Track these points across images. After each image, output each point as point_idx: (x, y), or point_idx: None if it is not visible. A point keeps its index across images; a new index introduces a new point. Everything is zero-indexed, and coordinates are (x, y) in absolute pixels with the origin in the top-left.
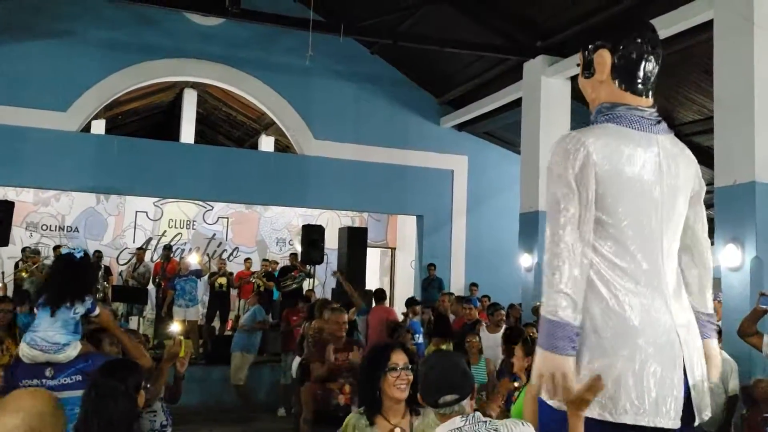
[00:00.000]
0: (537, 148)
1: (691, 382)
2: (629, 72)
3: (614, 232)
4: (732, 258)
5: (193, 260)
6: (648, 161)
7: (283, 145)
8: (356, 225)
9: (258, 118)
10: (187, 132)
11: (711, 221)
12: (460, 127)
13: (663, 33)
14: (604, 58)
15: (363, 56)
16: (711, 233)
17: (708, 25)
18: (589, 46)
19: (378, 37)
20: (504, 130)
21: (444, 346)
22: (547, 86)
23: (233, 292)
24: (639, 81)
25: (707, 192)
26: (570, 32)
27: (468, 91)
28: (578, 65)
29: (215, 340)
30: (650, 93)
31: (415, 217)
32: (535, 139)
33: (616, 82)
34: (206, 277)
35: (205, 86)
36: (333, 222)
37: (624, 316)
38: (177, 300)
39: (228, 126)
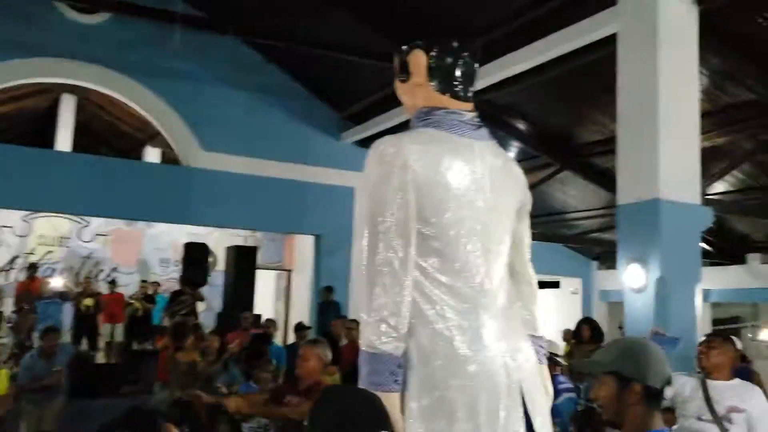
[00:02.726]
0: None
1: (531, 412)
2: (446, 73)
3: (438, 246)
4: (635, 279)
5: (57, 282)
6: (470, 169)
7: (170, 158)
8: (249, 245)
9: (143, 127)
10: (64, 140)
11: (612, 243)
12: (362, 143)
13: (564, 47)
14: (419, 59)
15: (260, 65)
16: (613, 253)
17: (611, 39)
18: (403, 48)
19: (270, 39)
20: None
21: (329, 378)
22: None
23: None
24: (456, 83)
25: (611, 212)
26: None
27: (370, 105)
28: (394, 73)
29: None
30: (470, 97)
31: (313, 236)
32: None
33: (434, 84)
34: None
35: (86, 92)
36: (224, 242)
37: (453, 342)
38: (38, 325)
39: (110, 136)
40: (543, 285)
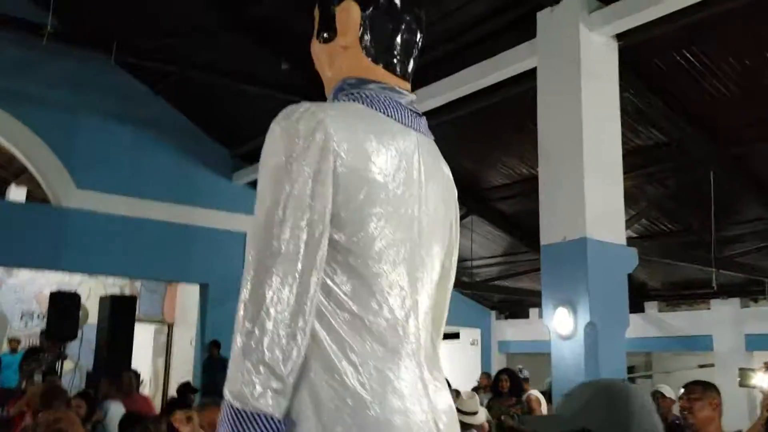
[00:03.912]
0: None
1: None
2: (383, 38)
3: (353, 263)
4: (563, 325)
5: None
6: (408, 169)
7: (38, 198)
8: (126, 295)
9: (7, 163)
10: None
11: (511, 290)
12: (255, 184)
13: (479, 83)
14: (351, 13)
15: (144, 96)
16: (512, 303)
17: (527, 75)
18: None
19: (157, 61)
20: None
21: None
22: None
23: None
24: (396, 53)
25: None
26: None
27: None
28: (314, 27)
29: None
30: (408, 74)
31: (198, 285)
32: None
33: (366, 49)
34: None
35: None
36: (96, 292)
37: (367, 401)
38: None
39: None
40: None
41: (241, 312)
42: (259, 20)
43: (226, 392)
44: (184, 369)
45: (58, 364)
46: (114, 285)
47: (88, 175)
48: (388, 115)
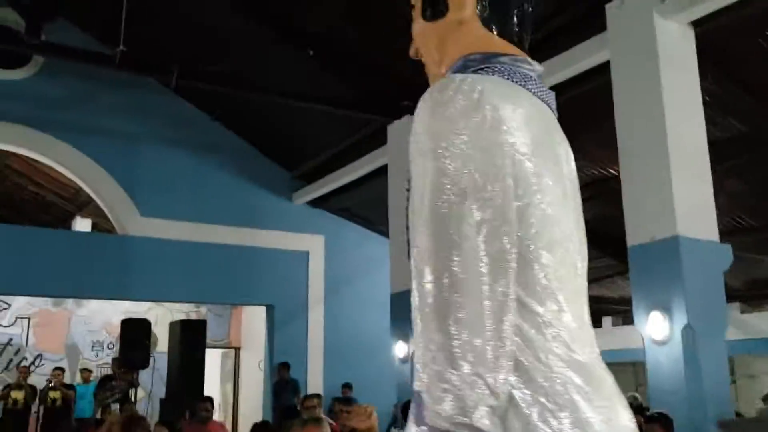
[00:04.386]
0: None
1: None
2: (502, 8)
3: (539, 271)
4: (658, 329)
5: None
6: (558, 155)
7: (103, 229)
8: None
9: (72, 196)
10: None
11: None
12: (316, 203)
13: (547, 82)
14: None
15: (202, 122)
16: (628, 300)
17: (596, 71)
18: None
19: (215, 84)
20: (362, 206)
21: None
22: None
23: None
24: (515, 23)
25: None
26: None
27: (323, 163)
28: (411, 6)
29: None
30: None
31: (264, 308)
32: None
33: (485, 21)
34: None
35: (6, 158)
36: (164, 319)
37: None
38: None
39: (35, 208)
40: None
41: (426, 318)
42: (310, 35)
43: (429, 413)
44: (254, 393)
45: (131, 393)
46: (180, 311)
47: (151, 202)
48: (528, 90)
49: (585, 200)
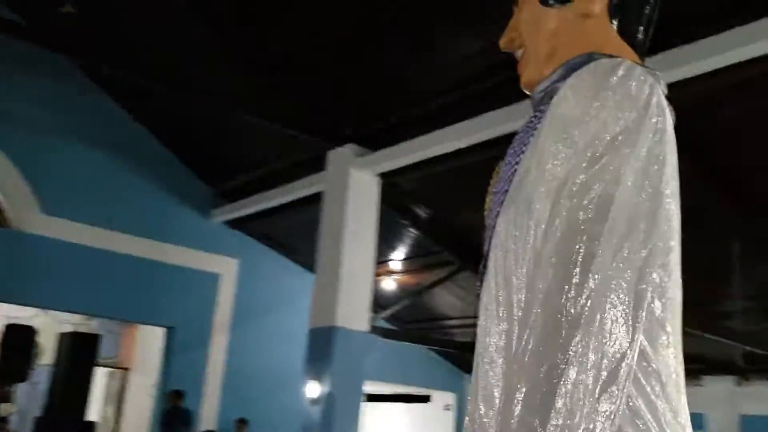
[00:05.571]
0: (338, 253)
1: None
2: (635, 6)
3: (662, 313)
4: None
5: None
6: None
7: None
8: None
9: None
10: None
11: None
12: (235, 224)
13: (486, 134)
14: None
15: (124, 122)
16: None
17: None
18: None
19: (135, 75)
20: (286, 234)
21: None
22: (357, 181)
23: None
24: (643, 27)
25: None
26: (384, 123)
27: (249, 182)
28: None
29: None
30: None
31: (163, 329)
32: (337, 242)
33: (616, 21)
34: None
35: None
36: (49, 329)
37: None
38: None
39: None
40: (411, 399)
41: (531, 359)
42: (246, 42)
43: None
44: (139, 419)
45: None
46: (68, 322)
47: (55, 200)
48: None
49: None
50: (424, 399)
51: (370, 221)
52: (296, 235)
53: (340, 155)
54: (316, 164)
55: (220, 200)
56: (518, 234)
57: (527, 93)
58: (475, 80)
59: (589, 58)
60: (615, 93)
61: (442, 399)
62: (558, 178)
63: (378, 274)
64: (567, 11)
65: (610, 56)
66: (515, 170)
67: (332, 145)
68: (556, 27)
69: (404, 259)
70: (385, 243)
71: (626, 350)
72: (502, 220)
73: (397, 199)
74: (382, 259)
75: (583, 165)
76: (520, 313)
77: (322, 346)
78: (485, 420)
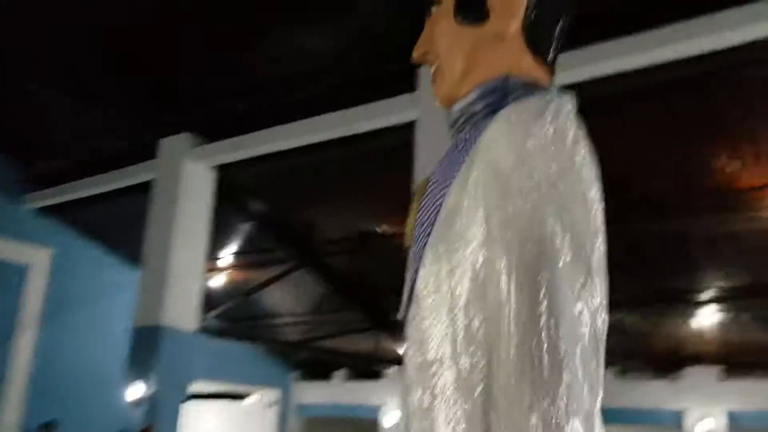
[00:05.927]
0: (167, 248)
1: None
2: (548, 25)
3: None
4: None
5: None
6: None
7: None
8: None
9: None
10: None
11: (317, 351)
12: (50, 210)
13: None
14: None
15: None
16: (317, 364)
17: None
18: None
19: None
20: (109, 224)
21: None
22: (190, 172)
23: None
24: (554, 46)
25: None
26: (222, 113)
27: (70, 166)
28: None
29: None
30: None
31: None
32: (166, 235)
33: (529, 41)
34: None
35: None
36: None
37: None
38: None
39: None
40: (236, 397)
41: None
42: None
43: None
44: None
45: None
46: None
47: None
48: None
49: (349, 252)
50: (240, 397)
51: (203, 216)
52: (121, 227)
53: (173, 144)
54: (147, 152)
55: (34, 185)
56: (451, 271)
57: (442, 107)
58: (320, 78)
59: (505, 79)
60: (545, 137)
61: (269, 396)
62: (492, 222)
63: (209, 271)
64: (482, 30)
65: (525, 84)
66: (441, 203)
67: (165, 132)
68: (471, 45)
69: (237, 255)
70: (218, 239)
71: None
72: (430, 255)
73: (233, 194)
74: (213, 256)
75: (518, 206)
76: (472, 347)
77: (146, 346)
78: None
